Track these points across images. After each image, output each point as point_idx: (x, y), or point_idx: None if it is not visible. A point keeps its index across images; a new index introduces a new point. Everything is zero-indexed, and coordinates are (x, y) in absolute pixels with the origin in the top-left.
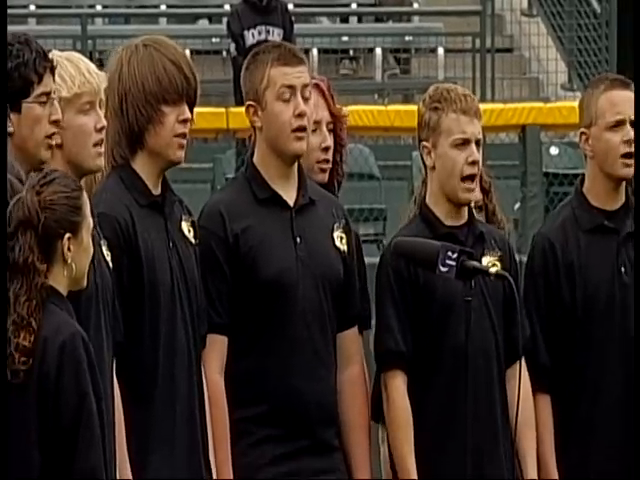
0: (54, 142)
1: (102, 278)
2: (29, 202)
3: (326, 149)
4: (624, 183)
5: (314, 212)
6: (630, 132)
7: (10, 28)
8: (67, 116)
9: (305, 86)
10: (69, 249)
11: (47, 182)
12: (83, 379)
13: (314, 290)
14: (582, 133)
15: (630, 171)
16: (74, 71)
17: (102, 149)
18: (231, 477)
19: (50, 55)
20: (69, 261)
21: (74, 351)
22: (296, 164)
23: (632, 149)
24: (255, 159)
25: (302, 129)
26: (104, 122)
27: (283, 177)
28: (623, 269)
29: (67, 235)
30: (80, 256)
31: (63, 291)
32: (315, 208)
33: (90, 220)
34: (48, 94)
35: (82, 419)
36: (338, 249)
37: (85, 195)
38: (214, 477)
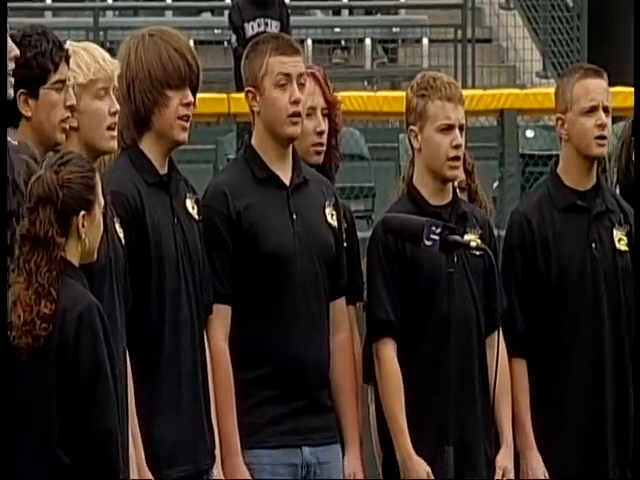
0: (68, 126)
1: (115, 252)
2: (49, 180)
3: (320, 133)
4: (595, 166)
5: (307, 191)
6: (602, 116)
7: (28, 20)
8: (83, 101)
9: (300, 74)
10: (83, 225)
11: (64, 162)
12: (99, 347)
13: (310, 263)
14: (558, 118)
15: (603, 150)
16: (90, 59)
17: (115, 132)
18: (237, 436)
19: (65, 45)
20: (83, 236)
21: (91, 321)
22: (291, 146)
23: (605, 132)
24: (253, 141)
25: (297, 114)
26: (117, 106)
27: (280, 158)
28: (594, 244)
29: (82, 212)
30: (92, 232)
31: (76, 264)
32: (308, 187)
33: (102, 199)
34: (63, 81)
35: (98, 384)
36: (330, 225)
37: (98, 175)
38: (219, 435)
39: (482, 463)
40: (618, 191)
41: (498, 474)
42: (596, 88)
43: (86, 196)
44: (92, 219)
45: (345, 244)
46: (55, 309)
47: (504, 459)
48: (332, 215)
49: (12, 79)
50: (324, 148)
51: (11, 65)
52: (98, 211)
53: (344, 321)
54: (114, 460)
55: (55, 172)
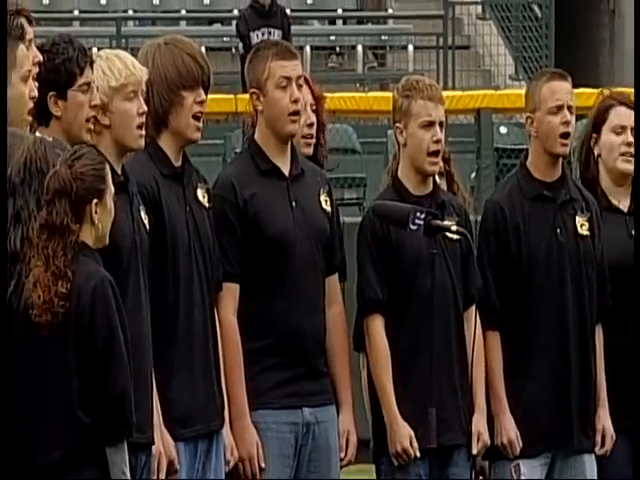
0: (92, 125)
1: (140, 237)
2: (63, 174)
3: (310, 125)
4: (560, 160)
5: (304, 180)
6: (567, 114)
7: (57, 29)
8: (115, 102)
9: (299, 77)
10: (96, 212)
11: (77, 157)
12: (112, 316)
13: (308, 245)
14: (528, 117)
15: (566, 150)
16: (121, 65)
17: (143, 131)
18: (245, 399)
19: (91, 52)
20: (96, 222)
21: (104, 294)
22: (290, 141)
23: (569, 129)
24: (256, 137)
25: (296, 113)
26: (145, 108)
27: (280, 152)
28: (559, 230)
29: (94, 200)
30: (105, 218)
31: (91, 246)
32: (305, 177)
33: (112, 187)
34: (88, 84)
35: (112, 350)
36: (324, 210)
37: (108, 167)
38: (229, 398)
39: (457, 425)
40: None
41: (474, 438)
42: (561, 89)
43: (98, 186)
44: (104, 206)
45: None
46: (71, 288)
47: (478, 424)
48: (326, 201)
49: (36, 82)
50: (314, 140)
51: (35, 69)
52: (109, 199)
53: (336, 295)
54: (128, 418)
55: (69, 167)
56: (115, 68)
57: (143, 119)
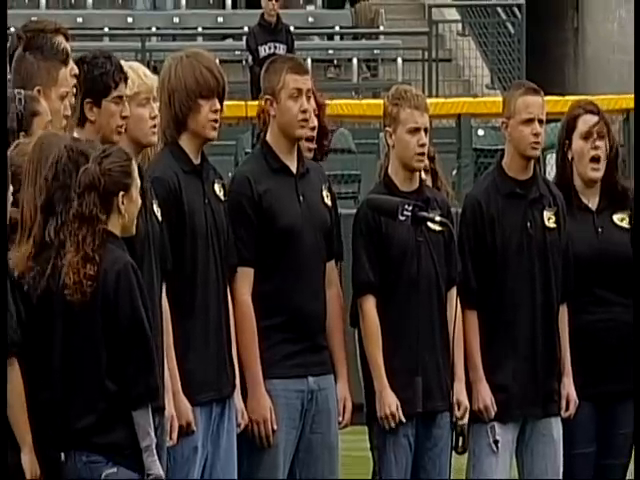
0: (123, 129)
1: (152, 227)
2: (92, 170)
3: (313, 128)
4: (532, 160)
5: (309, 178)
6: (537, 127)
7: (90, 44)
8: (130, 108)
9: (308, 90)
10: (123, 203)
11: (105, 155)
12: (134, 297)
13: (313, 234)
14: (503, 122)
15: (537, 152)
16: (135, 76)
17: (155, 130)
18: (260, 369)
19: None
20: (123, 212)
21: (127, 277)
22: (297, 143)
23: (538, 139)
24: (268, 138)
25: (305, 120)
26: (156, 112)
27: (289, 152)
28: (529, 224)
29: (121, 193)
30: (131, 208)
31: (118, 234)
32: (309, 175)
33: (138, 181)
34: (121, 97)
35: (135, 325)
36: (326, 204)
37: (134, 163)
38: (245, 369)
39: (440, 392)
40: (556, 180)
41: (455, 404)
42: (534, 104)
43: (124, 180)
44: (130, 198)
45: None
46: (98, 270)
47: (458, 391)
48: (327, 196)
49: (74, 89)
50: (314, 145)
51: (72, 81)
52: (135, 191)
53: (334, 278)
54: (151, 385)
55: (98, 163)
56: (130, 78)
57: (155, 122)
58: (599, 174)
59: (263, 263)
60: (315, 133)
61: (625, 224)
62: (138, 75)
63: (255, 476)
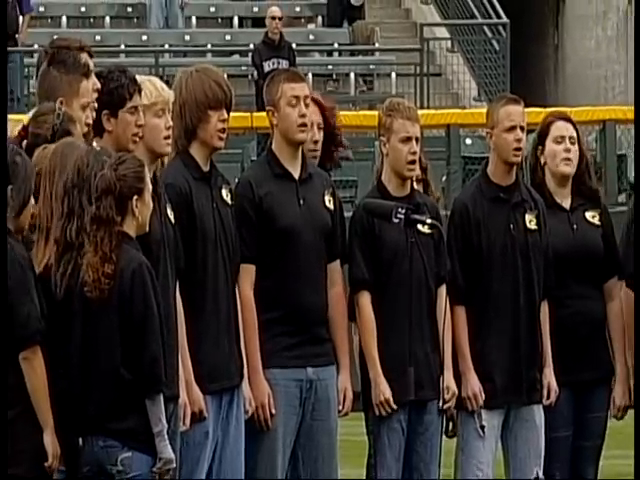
0: (138, 138)
1: (166, 230)
2: (108, 176)
3: (315, 142)
4: (515, 167)
5: (311, 182)
6: (519, 133)
7: (107, 60)
8: (146, 118)
9: (306, 96)
10: (137, 206)
11: (120, 162)
12: (148, 294)
13: (312, 235)
14: (487, 132)
15: (519, 159)
16: (152, 88)
17: (170, 140)
18: (259, 359)
19: (139, 81)
20: (137, 214)
21: (142, 275)
22: (300, 150)
23: (520, 144)
24: (273, 146)
25: (304, 125)
26: (171, 123)
27: (292, 159)
28: (512, 226)
29: (135, 197)
30: (144, 210)
31: (133, 235)
32: (312, 180)
33: (150, 186)
34: (136, 107)
35: (148, 321)
36: (327, 208)
37: (146, 169)
38: (246, 359)
39: (430, 382)
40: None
41: (446, 394)
42: (515, 112)
43: (138, 185)
44: (143, 201)
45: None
46: (115, 269)
47: (448, 380)
48: (329, 200)
49: (95, 104)
50: (318, 153)
51: (94, 95)
52: (147, 195)
53: (338, 278)
54: (159, 376)
55: (114, 170)
56: (147, 90)
57: (169, 132)
58: (571, 169)
59: (264, 260)
60: (318, 147)
61: (596, 221)
62: (156, 87)
63: (255, 457)
